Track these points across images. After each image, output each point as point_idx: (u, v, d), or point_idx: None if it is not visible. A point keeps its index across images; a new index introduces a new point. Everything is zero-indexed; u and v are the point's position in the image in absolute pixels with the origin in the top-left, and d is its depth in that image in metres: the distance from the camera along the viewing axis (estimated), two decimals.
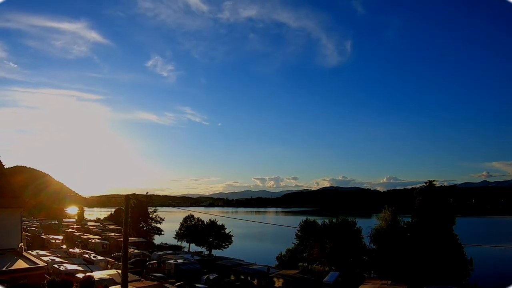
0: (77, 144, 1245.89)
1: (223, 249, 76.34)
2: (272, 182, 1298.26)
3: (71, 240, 76.62)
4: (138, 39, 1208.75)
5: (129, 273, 21.34)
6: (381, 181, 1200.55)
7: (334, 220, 57.33)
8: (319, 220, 63.13)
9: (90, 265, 42.64)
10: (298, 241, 60.30)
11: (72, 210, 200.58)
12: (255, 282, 43.45)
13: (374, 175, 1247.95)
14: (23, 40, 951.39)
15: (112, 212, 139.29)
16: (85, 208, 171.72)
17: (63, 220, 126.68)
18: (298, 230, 61.04)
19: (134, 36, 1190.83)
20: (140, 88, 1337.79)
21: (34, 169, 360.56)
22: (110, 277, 31.81)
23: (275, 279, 42.11)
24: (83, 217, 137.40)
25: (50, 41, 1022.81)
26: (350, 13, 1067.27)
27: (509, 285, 39.97)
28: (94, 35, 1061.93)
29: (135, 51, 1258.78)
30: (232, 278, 45.49)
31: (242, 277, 45.16)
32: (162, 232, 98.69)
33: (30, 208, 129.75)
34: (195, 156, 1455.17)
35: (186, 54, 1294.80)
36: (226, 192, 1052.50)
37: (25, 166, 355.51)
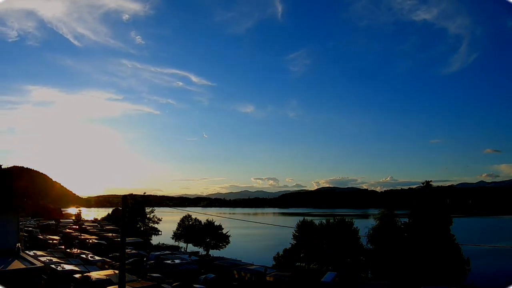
0: (78, 143, 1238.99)
1: (221, 249, 76.47)
2: (271, 182, 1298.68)
3: (68, 240, 76.45)
4: (311, 25, 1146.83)
5: (126, 273, 21.38)
6: (380, 180, 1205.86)
7: (332, 220, 57.51)
8: (316, 220, 63.25)
9: (87, 265, 42.60)
10: (295, 241, 60.41)
11: (70, 210, 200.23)
12: (252, 282, 43.51)
13: (373, 176, 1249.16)
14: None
15: (110, 212, 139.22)
16: (83, 208, 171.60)
17: (61, 220, 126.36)
18: (295, 230, 61.16)
19: (311, 21, 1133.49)
20: (260, 76, 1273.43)
21: (32, 169, 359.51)
22: (107, 277, 31.86)
23: (272, 279, 42.20)
24: (81, 217, 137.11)
25: (216, 13, 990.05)
26: (503, 27, 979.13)
27: (506, 285, 40.24)
28: (279, 9, 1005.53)
29: (295, 37, 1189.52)
30: (229, 278, 45.52)
31: (238, 277, 45.22)
32: (160, 232, 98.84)
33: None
34: (194, 156, 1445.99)
35: (338, 49, 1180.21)
36: (224, 192, 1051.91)
37: (23, 167, 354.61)
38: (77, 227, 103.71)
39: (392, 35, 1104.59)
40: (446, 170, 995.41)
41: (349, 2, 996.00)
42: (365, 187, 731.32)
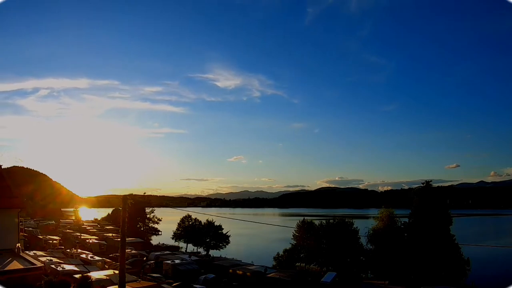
0: (80, 143, 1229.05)
1: (221, 249, 76.42)
2: (272, 181, 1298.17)
3: (68, 240, 76.40)
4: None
5: (126, 274, 21.37)
6: (380, 181, 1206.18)
7: (332, 220, 57.48)
8: (316, 221, 63.23)
9: (87, 265, 42.57)
10: (295, 241, 60.41)
11: (70, 210, 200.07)
12: (252, 282, 43.51)
13: (373, 176, 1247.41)
14: None
15: (110, 212, 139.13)
16: (83, 208, 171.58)
17: (61, 220, 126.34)
18: (295, 230, 61.15)
19: None
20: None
21: (31, 169, 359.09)
22: (107, 278, 31.84)
23: (272, 279, 42.20)
24: (81, 217, 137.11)
25: (471, 11, 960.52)
26: None
27: (506, 285, 40.23)
28: None
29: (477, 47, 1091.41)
30: (229, 278, 45.53)
31: (238, 276, 45.22)
32: (160, 233, 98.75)
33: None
34: (193, 157, 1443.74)
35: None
36: (224, 192, 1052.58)
37: (22, 167, 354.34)
38: (77, 227, 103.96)
39: None
40: (455, 169, 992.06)
41: None
42: (365, 187, 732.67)
